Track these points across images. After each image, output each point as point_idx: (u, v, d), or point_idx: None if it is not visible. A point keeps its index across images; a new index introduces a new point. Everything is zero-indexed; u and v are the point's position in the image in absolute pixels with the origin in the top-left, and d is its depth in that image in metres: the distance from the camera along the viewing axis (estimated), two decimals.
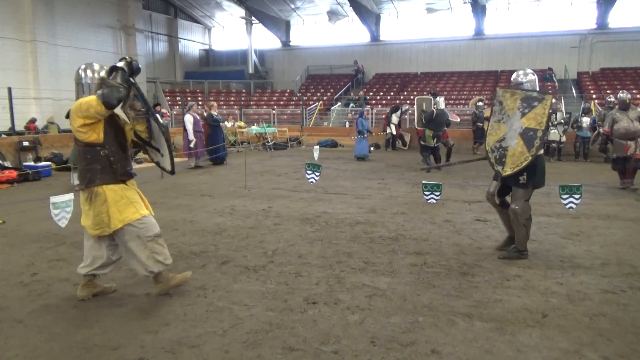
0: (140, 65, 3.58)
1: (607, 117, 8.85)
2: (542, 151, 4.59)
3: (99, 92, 3.30)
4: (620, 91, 8.83)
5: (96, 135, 3.41)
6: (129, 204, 3.51)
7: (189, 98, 21.69)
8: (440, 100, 11.51)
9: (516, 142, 4.42)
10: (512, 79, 4.77)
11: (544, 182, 4.68)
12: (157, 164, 3.95)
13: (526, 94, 4.50)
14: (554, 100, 14.81)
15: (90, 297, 3.70)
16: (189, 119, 12.06)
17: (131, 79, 3.44)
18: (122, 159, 3.57)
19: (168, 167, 3.84)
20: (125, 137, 3.66)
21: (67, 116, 3.51)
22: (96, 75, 3.55)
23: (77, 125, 3.38)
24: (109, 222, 3.46)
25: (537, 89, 4.69)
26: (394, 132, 16.78)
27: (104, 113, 3.33)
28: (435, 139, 11.18)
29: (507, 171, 4.47)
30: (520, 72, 4.74)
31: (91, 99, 3.31)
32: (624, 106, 8.53)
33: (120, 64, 3.41)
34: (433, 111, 11.16)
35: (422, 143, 11.43)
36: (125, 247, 3.56)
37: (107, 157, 3.46)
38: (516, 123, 4.45)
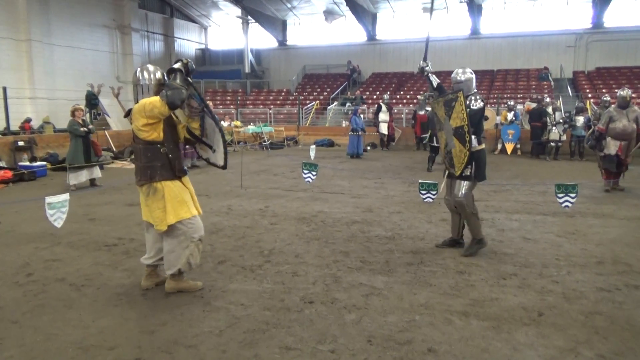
0: (194, 66, 3.71)
1: (604, 115, 8.59)
2: (483, 145, 4.81)
3: (163, 93, 3.42)
4: (621, 88, 8.49)
5: (157, 134, 3.59)
6: (183, 202, 3.69)
7: None
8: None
9: (454, 143, 4.65)
10: (451, 77, 4.94)
11: (485, 175, 4.83)
12: (207, 160, 4.06)
13: (445, 98, 4.74)
14: (548, 99, 14.90)
15: (154, 286, 3.90)
16: None
17: (188, 79, 3.57)
18: (178, 157, 3.76)
19: (220, 162, 3.95)
20: (179, 135, 3.83)
21: (126, 115, 3.75)
22: (152, 76, 3.69)
23: (140, 125, 3.54)
24: (164, 217, 3.60)
25: (474, 87, 4.89)
26: (385, 132, 16.67)
27: (166, 113, 3.50)
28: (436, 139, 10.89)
29: (458, 171, 4.69)
30: (459, 70, 4.92)
31: (155, 100, 3.45)
32: (624, 104, 8.16)
33: (177, 66, 3.55)
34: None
35: (433, 145, 10.69)
36: (169, 241, 3.69)
37: (166, 155, 3.63)
38: (448, 127, 4.71)
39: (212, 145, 3.87)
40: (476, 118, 4.66)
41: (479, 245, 4.76)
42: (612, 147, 8.18)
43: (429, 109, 11.61)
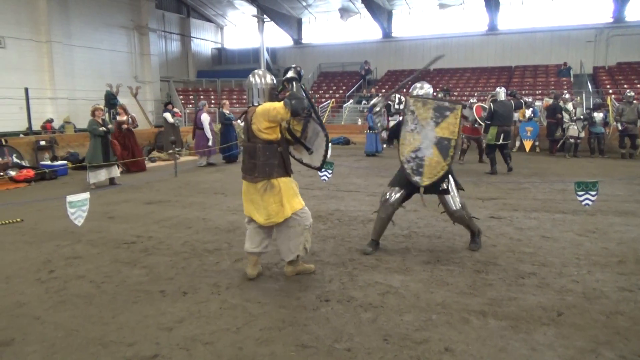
0: (303, 71, 4.04)
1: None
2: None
3: (287, 101, 3.65)
4: None
5: (275, 135, 3.86)
6: (295, 195, 3.97)
7: (201, 97, 21.81)
8: (501, 91, 10.28)
9: (432, 152, 4.46)
10: (410, 91, 4.86)
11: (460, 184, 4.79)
12: (300, 160, 4.20)
13: (438, 103, 4.54)
14: (567, 95, 14.65)
15: (257, 276, 4.10)
16: (206, 118, 12.29)
17: (302, 85, 3.91)
18: (288, 155, 4.04)
19: (316, 164, 4.10)
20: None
21: (240, 118, 4.05)
22: (262, 80, 3.95)
23: (262, 127, 3.78)
24: (280, 210, 3.86)
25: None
26: None
27: (287, 119, 3.80)
28: (504, 136, 9.82)
29: (426, 181, 4.49)
30: (418, 84, 4.86)
31: (279, 107, 3.69)
32: None
33: (292, 74, 3.87)
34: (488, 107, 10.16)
35: (486, 143, 10.22)
36: (285, 232, 3.98)
37: (281, 153, 3.89)
38: (430, 133, 4.49)
39: (311, 148, 4.04)
40: None
41: (479, 234, 4.86)
42: None
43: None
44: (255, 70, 4.07)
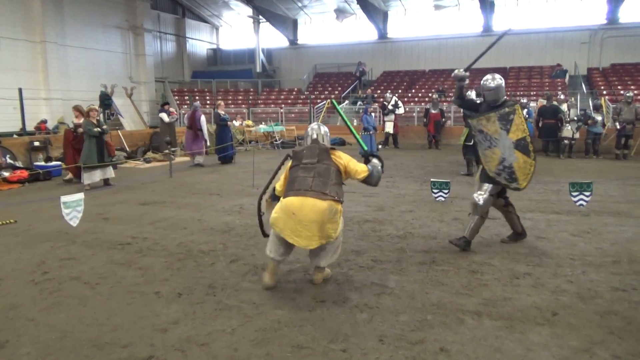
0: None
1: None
2: None
3: (376, 175, 4.01)
4: None
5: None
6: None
7: (196, 97, 21.78)
8: (472, 94, 10.17)
9: (516, 156, 4.58)
10: (481, 83, 4.90)
11: None
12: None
13: (499, 113, 4.61)
14: (562, 96, 14.72)
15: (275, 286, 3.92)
16: (204, 120, 12.47)
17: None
18: None
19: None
20: None
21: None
22: (322, 129, 4.26)
23: (339, 161, 3.98)
24: (333, 235, 3.74)
25: (504, 93, 4.84)
26: (391, 131, 16.59)
27: (353, 177, 4.04)
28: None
29: (523, 184, 4.63)
30: (489, 76, 4.89)
31: (362, 171, 3.98)
32: None
33: (376, 161, 4.11)
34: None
35: (466, 143, 10.06)
36: (330, 247, 3.87)
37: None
38: (507, 141, 4.59)
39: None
40: None
41: (465, 241, 4.81)
42: None
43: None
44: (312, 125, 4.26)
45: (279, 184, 4.10)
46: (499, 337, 3.04)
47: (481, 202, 4.79)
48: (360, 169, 3.94)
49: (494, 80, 4.81)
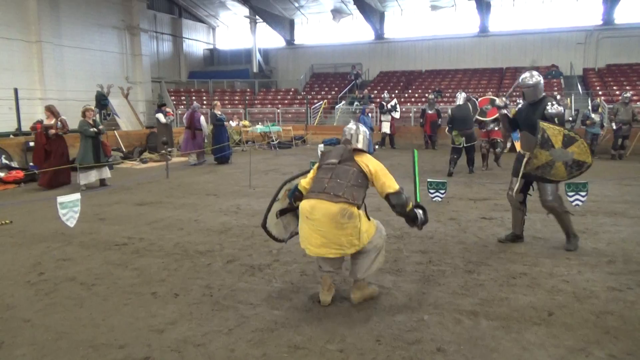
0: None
1: None
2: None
3: (422, 218, 3.85)
4: None
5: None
6: (370, 223, 3.61)
7: (193, 98, 21.73)
8: (460, 96, 10.37)
9: (572, 151, 4.61)
10: (520, 80, 4.90)
11: None
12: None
13: (569, 133, 4.64)
14: (559, 96, 14.77)
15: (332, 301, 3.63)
16: (203, 120, 12.65)
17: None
18: None
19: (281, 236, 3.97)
20: None
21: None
22: (361, 128, 3.88)
23: (366, 166, 3.60)
24: (355, 243, 3.44)
25: (542, 89, 4.85)
26: (388, 131, 16.61)
27: (399, 205, 3.70)
28: (465, 139, 9.95)
29: (589, 160, 4.62)
30: (527, 74, 4.89)
31: (393, 189, 3.62)
32: None
33: (421, 215, 3.84)
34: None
35: (452, 145, 10.24)
36: (357, 256, 3.58)
37: (365, 194, 3.64)
38: (562, 153, 4.61)
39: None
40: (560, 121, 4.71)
41: (576, 238, 4.87)
42: None
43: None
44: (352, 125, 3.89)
45: (304, 180, 3.81)
46: (496, 336, 3.05)
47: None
48: (389, 182, 3.55)
49: (532, 78, 4.83)
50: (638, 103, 16.73)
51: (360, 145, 3.73)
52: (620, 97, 13.83)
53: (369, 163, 3.59)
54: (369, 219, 3.57)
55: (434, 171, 10.71)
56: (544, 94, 4.85)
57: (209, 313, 3.44)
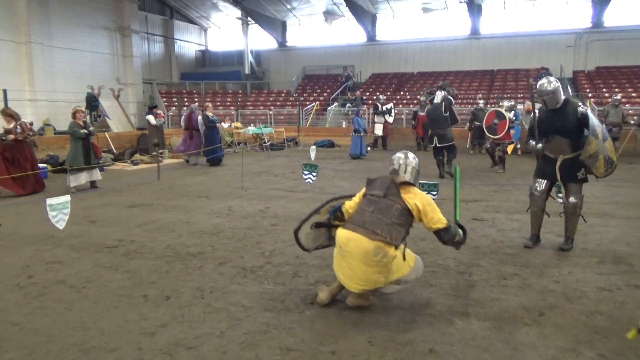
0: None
1: None
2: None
3: (459, 240, 3.69)
4: None
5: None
6: (404, 265, 3.44)
7: (185, 99, 21.64)
8: (438, 95, 9.92)
9: (606, 146, 4.74)
10: (537, 88, 4.90)
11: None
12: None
13: (603, 131, 4.78)
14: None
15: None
16: (201, 121, 12.73)
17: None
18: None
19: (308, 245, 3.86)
20: None
21: None
22: (415, 161, 3.90)
23: (412, 202, 3.49)
24: (380, 282, 3.35)
25: (561, 93, 4.83)
26: (380, 133, 16.63)
27: (430, 228, 3.62)
28: (437, 139, 9.74)
29: (615, 159, 4.75)
30: (545, 80, 4.88)
31: (439, 220, 3.52)
32: None
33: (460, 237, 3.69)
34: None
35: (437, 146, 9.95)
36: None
37: (408, 231, 3.58)
38: (602, 145, 4.69)
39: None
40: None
41: (572, 242, 4.96)
42: None
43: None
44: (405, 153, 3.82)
45: (349, 203, 3.75)
46: (487, 337, 3.07)
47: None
48: (438, 217, 3.43)
49: (550, 84, 4.78)
50: (627, 105, 16.95)
51: (408, 178, 3.61)
52: (610, 100, 13.98)
53: (414, 197, 3.47)
54: (404, 259, 3.41)
55: (428, 174, 10.74)
56: (563, 97, 4.83)
57: (201, 315, 3.42)
